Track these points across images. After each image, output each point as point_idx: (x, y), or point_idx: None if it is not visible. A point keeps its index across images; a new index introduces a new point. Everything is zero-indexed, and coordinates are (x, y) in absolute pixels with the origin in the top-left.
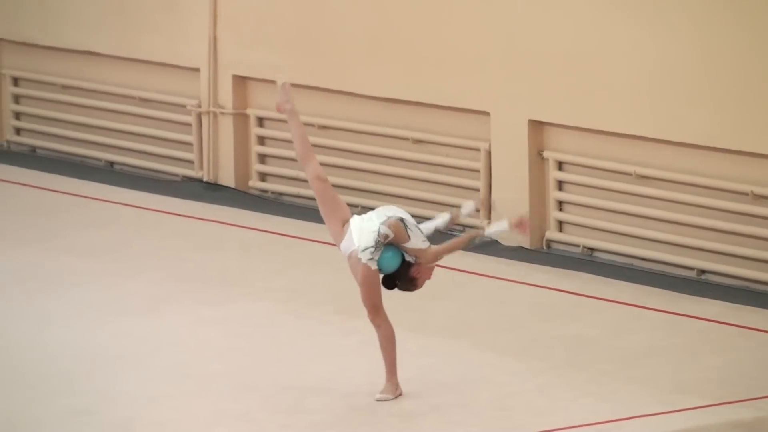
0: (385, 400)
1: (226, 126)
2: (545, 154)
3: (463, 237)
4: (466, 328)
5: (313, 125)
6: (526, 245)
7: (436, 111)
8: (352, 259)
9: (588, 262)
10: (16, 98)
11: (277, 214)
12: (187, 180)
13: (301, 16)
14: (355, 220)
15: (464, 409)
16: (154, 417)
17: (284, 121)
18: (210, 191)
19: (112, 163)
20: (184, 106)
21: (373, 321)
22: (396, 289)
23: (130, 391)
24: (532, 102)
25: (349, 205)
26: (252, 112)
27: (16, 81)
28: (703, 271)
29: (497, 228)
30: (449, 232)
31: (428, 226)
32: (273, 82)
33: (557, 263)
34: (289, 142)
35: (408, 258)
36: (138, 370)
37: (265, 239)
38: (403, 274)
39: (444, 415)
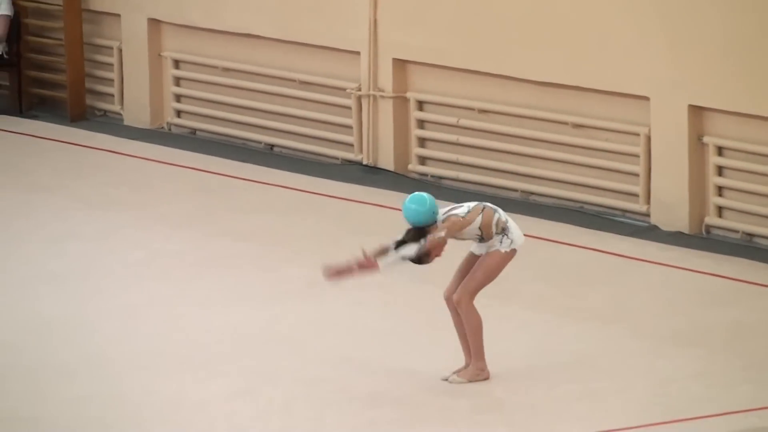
0: (459, 383)
1: (386, 109)
2: (705, 139)
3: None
4: (623, 313)
5: (472, 109)
6: (686, 230)
7: (596, 95)
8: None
9: (747, 247)
10: (177, 81)
11: (438, 198)
12: (346, 163)
13: None
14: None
15: (620, 395)
16: (312, 398)
17: (445, 105)
18: (369, 174)
19: (271, 146)
20: (344, 90)
21: (463, 306)
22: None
23: (289, 373)
24: (692, 87)
25: (509, 189)
26: (412, 95)
27: (177, 64)
28: None
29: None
30: None
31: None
32: (433, 65)
33: (716, 249)
34: (449, 125)
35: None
36: (297, 353)
37: None
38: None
39: (600, 401)
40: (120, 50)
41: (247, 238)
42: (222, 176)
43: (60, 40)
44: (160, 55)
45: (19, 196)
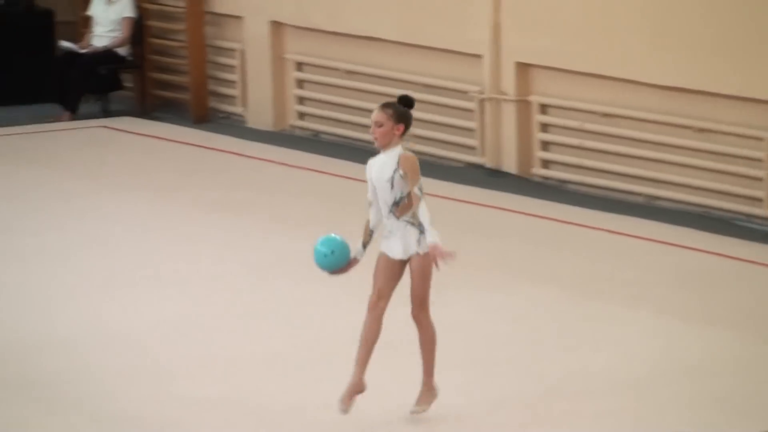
0: (422, 413)
1: (509, 112)
2: None
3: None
4: (750, 319)
5: (596, 113)
6: None
7: (720, 100)
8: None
9: None
10: (300, 83)
11: (561, 202)
12: (469, 166)
13: (585, 2)
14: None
15: (750, 400)
16: (441, 402)
17: (568, 109)
18: (492, 177)
19: None
20: (466, 93)
21: (418, 317)
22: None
23: (412, 377)
24: None
25: (633, 193)
26: (535, 99)
27: (299, 66)
28: None
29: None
30: None
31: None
32: (556, 69)
33: None
34: (572, 129)
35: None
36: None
37: (548, 227)
38: None
39: (730, 405)
40: (242, 52)
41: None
42: (344, 178)
43: (183, 42)
44: (282, 57)
45: (144, 198)
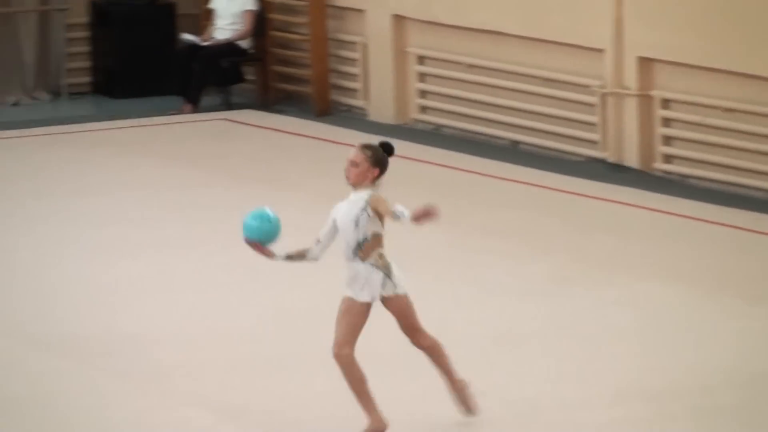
0: (476, 408)
1: (631, 107)
2: None
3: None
4: None
5: (718, 108)
6: None
7: None
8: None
9: None
10: (421, 77)
11: (683, 197)
12: (590, 160)
13: None
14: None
15: None
16: (559, 395)
17: (690, 104)
18: (614, 172)
19: (516, 143)
20: (588, 87)
21: (418, 344)
22: None
23: (534, 370)
24: None
25: (759, 189)
26: (657, 93)
27: (421, 60)
28: None
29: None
30: None
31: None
32: (679, 63)
33: None
34: (695, 124)
35: None
36: (542, 351)
37: (669, 222)
38: None
39: None
40: (364, 46)
41: (492, 235)
42: (465, 172)
43: (305, 35)
44: (404, 50)
45: (265, 191)
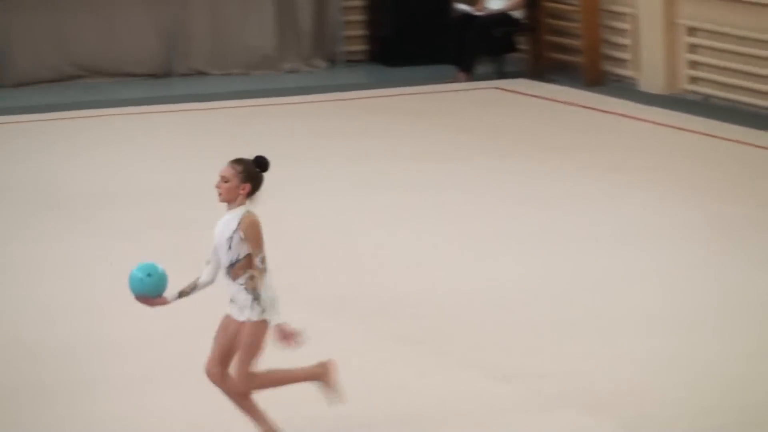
0: None
1: None
2: None
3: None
4: None
5: None
6: None
7: None
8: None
9: None
10: (692, 48)
11: None
12: None
13: None
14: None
15: None
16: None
17: None
18: None
19: None
20: None
21: (217, 375)
22: None
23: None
24: None
25: None
26: None
27: (691, 31)
28: None
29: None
30: None
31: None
32: None
33: None
34: None
35: None
36: None
37: None
38: None
39: None
40: (635, 17)
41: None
42: (734, 143)
43: (576, 6)
44: (674, 22)
45: (536, 158)
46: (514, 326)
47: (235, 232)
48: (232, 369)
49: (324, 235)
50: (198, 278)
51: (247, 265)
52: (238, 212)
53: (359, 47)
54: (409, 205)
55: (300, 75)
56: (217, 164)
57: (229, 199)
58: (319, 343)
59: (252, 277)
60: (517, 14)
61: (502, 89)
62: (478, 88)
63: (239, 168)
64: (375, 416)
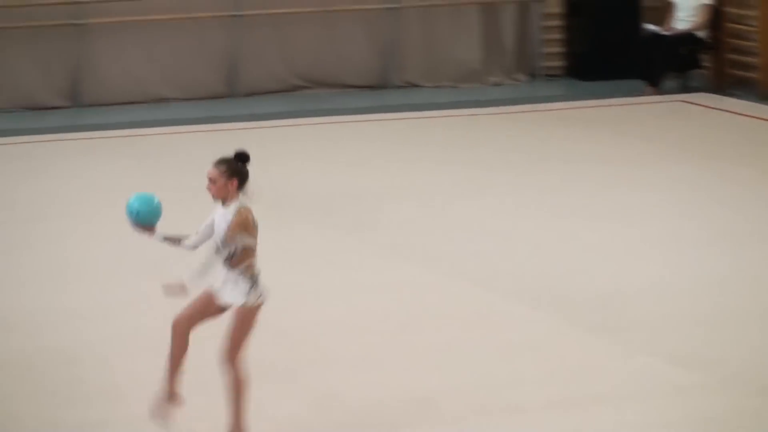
0: None
1: None
2: None
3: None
4: None
5: None
6: None
7: None
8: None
9: None
10: None
11: None
12: None
13: None
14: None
15: None
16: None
17: None
18: None
19: None
20: None
21: (226, 363)
22: None
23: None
24: None
25: None
26: None
27: None
28: None
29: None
30: None
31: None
32: None
33: None
34: None
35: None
36: None
37: None
38: None
39: None
40: None
41: None
42: None
43: (755, 27)
44: None
45: (716, 168)
46: (704, 316)
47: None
48: (226, 347)
49: (536, 232)
50: (185, 237)
51: (246, 256)
52: (233, 206)
53: (557, 63)
54: (603, 203)
55: (503, 87)
56: (427, 168)
57: (222, 197)
58: (525, 329)
59: (249, 266)
60: (701, 34)
61: (687, 102)
62: (665, 101)
63: (222, 168)
64: (577, 396)
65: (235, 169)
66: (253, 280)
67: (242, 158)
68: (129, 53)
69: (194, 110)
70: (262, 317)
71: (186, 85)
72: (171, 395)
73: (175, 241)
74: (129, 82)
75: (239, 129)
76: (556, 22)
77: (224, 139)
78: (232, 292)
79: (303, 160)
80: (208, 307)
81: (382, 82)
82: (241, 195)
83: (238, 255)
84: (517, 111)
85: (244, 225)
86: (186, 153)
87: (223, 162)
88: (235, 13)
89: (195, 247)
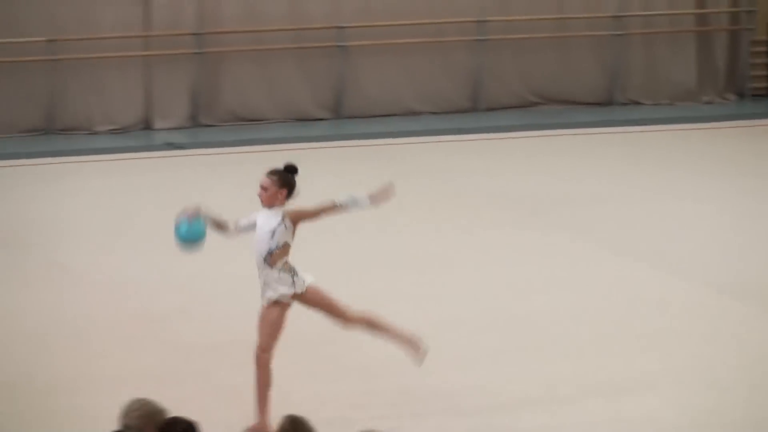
0: None
1: None
2: None
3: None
4: None
5: None
6: None
7: None
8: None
9: None
10: None
11: None
12: None
13: None
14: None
15: None
16: None
17: None
18: None
19: None
20: None
21: (350, 324)
22: None
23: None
24: None
25: None
26: None
27: None
28: None
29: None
30: None
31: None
32: None
33: None
34: None
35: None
36: None
37: None
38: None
39: None
40: None
41: None
42: None
43: None
44: None
45: None
46: None
47: (279, 224)
48: (345, 320)
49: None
50: (228, 224)
51: (283, 253)
52: (278, 210)
53: (764, 84)
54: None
55: (714, 106)
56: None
57: (270, 204)
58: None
59: (286, 262)
60: None
61: None
62: None
63: (275, 177)
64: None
65: (285, 180)
66: (293, 271)
67: (291, 170)
68: (387, 71)
69: (442, 122)
70: (508, 303)
71: (435, 100)
72: (263, 424)
73: (220, 226)
74: (386, 97)
75: (481, 140)
76: (763, 48)
77: (468, 148)
78: (277, 288)
79: (537, 167)
80: (274, 322)
81: (607, 100)
82: (287, 203)
83: (278, 252)
84: (728, 127)
85: (313, 210)
86: (431, 160)
87: (275, 173)
88: (480, 38)
89: (231, 232)
